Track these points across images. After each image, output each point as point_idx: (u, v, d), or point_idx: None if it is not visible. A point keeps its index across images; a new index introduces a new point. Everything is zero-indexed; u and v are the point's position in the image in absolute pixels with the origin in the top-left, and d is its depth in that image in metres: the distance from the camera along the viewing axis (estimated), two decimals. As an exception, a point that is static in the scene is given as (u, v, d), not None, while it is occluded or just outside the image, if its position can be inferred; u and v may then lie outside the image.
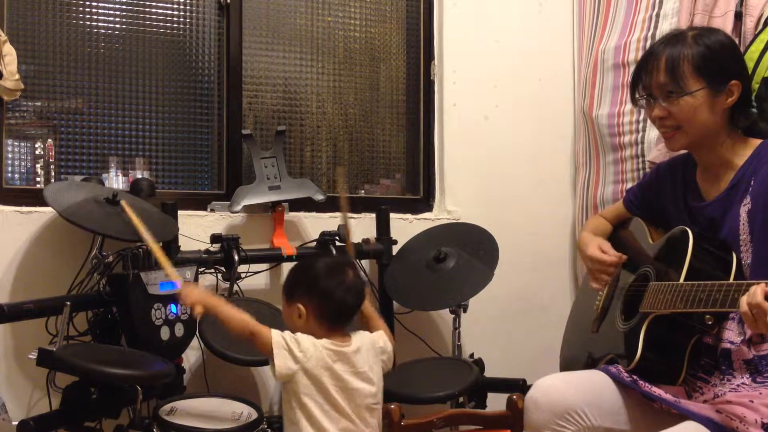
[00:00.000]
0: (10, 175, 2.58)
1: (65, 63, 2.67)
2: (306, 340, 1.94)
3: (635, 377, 1.81)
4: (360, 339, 2.03)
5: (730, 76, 1.85)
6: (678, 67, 1.85)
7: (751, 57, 2.18)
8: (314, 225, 2.86)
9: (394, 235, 2.88)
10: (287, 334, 1.95)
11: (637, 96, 1.96)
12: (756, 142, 1.89)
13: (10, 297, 2.40)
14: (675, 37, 1.90)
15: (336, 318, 2.01)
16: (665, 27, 2.72)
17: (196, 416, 2.09)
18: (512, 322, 3.20)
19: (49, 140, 2.65)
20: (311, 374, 1.91)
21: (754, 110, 1.96)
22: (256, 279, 2.70)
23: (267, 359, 2.39)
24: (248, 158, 2.82)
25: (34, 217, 2.47)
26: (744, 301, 1.52)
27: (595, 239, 2.12)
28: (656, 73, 1.89)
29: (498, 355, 2.90)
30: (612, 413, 1.82)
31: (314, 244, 2.76)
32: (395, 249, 2.88)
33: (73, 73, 2.68)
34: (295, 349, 1.91)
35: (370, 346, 2.04)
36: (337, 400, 1.93)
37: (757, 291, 1.50)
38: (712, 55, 1.85)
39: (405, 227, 2.98)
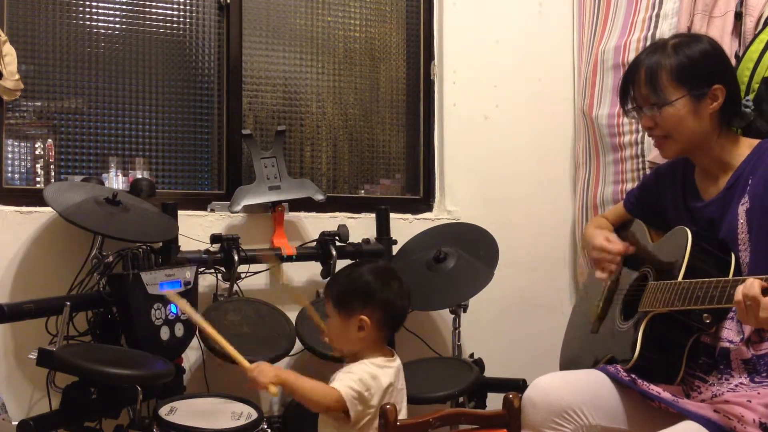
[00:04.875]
0: (10, 175, 2.58)
1: (65, 63, 2.67)
2: (368, 378, 1.88)
3: (633, 376, 1.82)
4: (397, 356, 2.03)
5: (712, 81, 1.84)
6: (657, 78, 1.86)
7: (751, 57, 2.18)
8: (314, 225, 2.86)
9: (394, 235, 2.88)
10: (353, 383, 1.86)
11: (627, 108, 1.96)
12: (753, 141, 1.90)
13: (10, 297, 2.40)
14: (656, 48, 1.91)
15: (395, 326, 2.01)
16: (665, 27, 2.73)
17: (196, 416, 2.09)
18: (512, 322, 3.20)
19: (49, 140, 2.65)
20: (377, 410, 1.87)
21: (749, 110, 1.96)
22: (256, 279, 2.70)
23: (266, 359, 2.40)
24: (248, 158, 2.82)
25: (34, 217, 2.47)
26: (740, 290, 1.53)
27: (601, 231, 2.11)
28: (639, 85, 1.90)
29: (498, 355, 2.90)
30: (610, 412, 1.83)
31: (314, 244, 2.76)
32: (395, 249, 2.88)
33: (73, 73, 2.68)
34: (364, 393, 1.86)
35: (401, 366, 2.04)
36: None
37: (754, 283, 1.51)
38: (691, 64, 1.85)
39: (405, 227, 2.98)
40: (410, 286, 2.37)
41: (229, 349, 1.93)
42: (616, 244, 2.04)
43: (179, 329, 2.31)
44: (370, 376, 1.89)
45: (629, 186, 2.81)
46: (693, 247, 1.81)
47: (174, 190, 2.81)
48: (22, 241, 2.45)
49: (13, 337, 2.42)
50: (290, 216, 2.84)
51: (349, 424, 1.86)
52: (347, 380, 1.88)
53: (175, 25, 2.83)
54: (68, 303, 2.14)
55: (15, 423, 2.01)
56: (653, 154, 2.67)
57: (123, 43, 2.76)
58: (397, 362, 1.99)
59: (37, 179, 2.64)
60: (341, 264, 2.40)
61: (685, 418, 1.70)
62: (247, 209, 2.74)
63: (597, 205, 3.07)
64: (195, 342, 2.42)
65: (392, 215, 2.91)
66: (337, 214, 2.92)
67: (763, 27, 2.33)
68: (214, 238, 2.58)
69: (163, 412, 2.08)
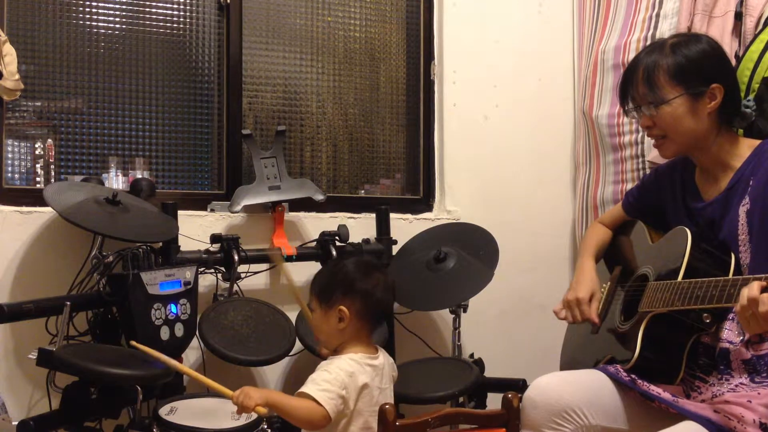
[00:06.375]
0: (10, 175, 2.58)
1: (65, 63, 2.66)
2: (344, 376, 1.86)
3: (633, 376, 1.82)
4: (383, 354, 2.01)
5: (709, 80, 1.85)
6: (654, 77, 1.86)
7: (751, 57, 2.18)
8: (314, 225, 2.86)
9: (394, 235, 2.88)
10: (330, 385, 1.84)
11: (626, 107, 1.97)
12: (754, 142, 1.90)
13: (10, 297, 2.40)
14: (654, 47, 1.92)
15: (377, 318, 2.00)
16: (665, 27, 2.73)
17: (196, 416, 2.09)
18: (512, 322, 3.20)
19: (49, 140, 2.65)
20: (357, 410, 1.87)
21: (749, 110, 1.96)
22: (256, 279, 2.70)
23: (266, 359, 2.41)
24: (248, 158, 2.82)
25: (34, 217, 2.47)
26: (744, 294, 1.52)
27: (591, 280, 2.11)
28: (637, 84, 1.90)
29: (498, 355, 2.90)
30: (610, 412, 1.83)
31: (314, 244, 2.76)
32: (395, 249, 2.88)
33: (73, 73, 2.68)
34: (342, 393, 1.84)
35: (390, 365, 2.02)
36: (373, 428, 1.86)
37: (753, 284, 1.51)
38: (689, 63, 1.85)
39: (405, 227, 2.98)
40: (410, 286, 2.37)
41: (210, 382, 1.89)
42: (593, 308, 2.05)
43: (179, 329, 2.31)
44: (346, 375, 1.88)
45: (629, 186, 2.80)
46: (693, 248, 1.81)
47: (174, 190, 2.80)
48: (22, 241, 2.45)
49: (13, 337, 2.42)
50: (290, 216, 2.84)
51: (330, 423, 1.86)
52: (324, 384, 1.84)
53: (175, 25, 2.83)
54: (68, 303, 2.13)
55: (15, 423, 2.01)
56: (653, 154, 2.67)
57: (123, 43, 2.75)
58: (379, 360, 1.96)
59: (37, 179, 2.64)
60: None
61: (685, 418, 1.70)
62: (247, 209, 2.74)
63: (597, 206, 3.08)
64: (195, 342, 2.42)
65: (392, 215, 2.91)
66: (337, 214, 2.92)
67: (763, 27, 2.33)
68: (214, 238, 2.58)
69: (163, 412, 2.08)
